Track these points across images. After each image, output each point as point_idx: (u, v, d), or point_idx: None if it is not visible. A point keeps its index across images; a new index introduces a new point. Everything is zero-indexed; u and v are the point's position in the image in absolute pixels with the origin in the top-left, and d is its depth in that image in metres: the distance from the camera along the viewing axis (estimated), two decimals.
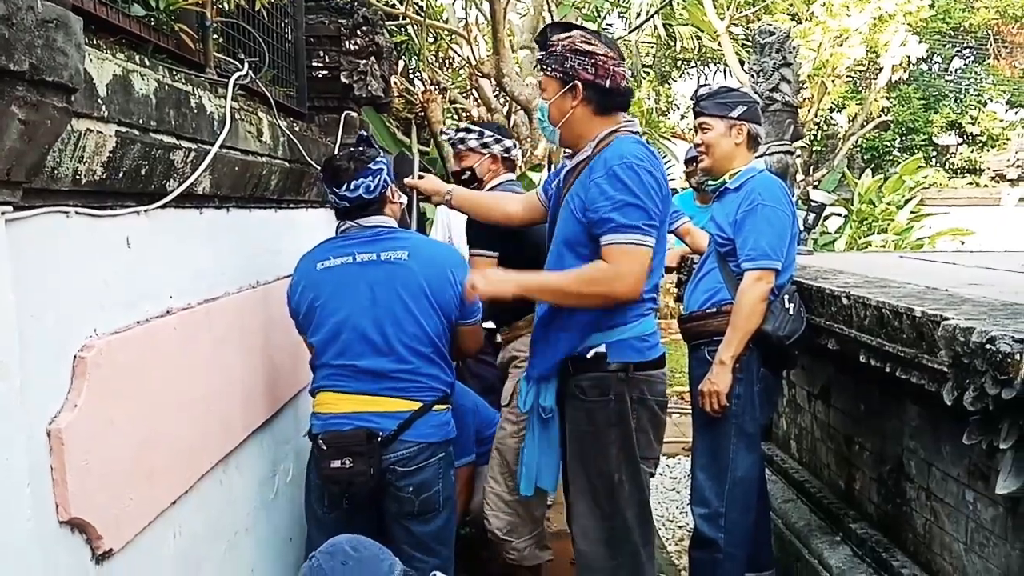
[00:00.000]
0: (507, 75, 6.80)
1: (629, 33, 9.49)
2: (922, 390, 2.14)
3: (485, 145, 3.00)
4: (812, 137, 12.31)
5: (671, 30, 10.17)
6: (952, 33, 14.70)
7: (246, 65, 2.33)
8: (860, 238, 8.58)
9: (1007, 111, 14.97)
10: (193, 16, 2.07)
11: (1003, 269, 3.37)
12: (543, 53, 2.39)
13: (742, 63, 9.08)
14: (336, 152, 2.54)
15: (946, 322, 1.86)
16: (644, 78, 12.85)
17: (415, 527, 2.38)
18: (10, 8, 1.09)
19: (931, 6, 10.41)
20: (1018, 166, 12.55)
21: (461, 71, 8.64)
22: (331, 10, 3.26)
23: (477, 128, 3.06)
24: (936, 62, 15.55)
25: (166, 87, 1.74)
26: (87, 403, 1.50)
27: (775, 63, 4.10)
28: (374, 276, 2.33)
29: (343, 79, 3.23)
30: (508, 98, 7.75)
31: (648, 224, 2.21)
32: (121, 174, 1.61)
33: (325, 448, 2.29)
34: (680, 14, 9.78)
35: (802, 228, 3.86)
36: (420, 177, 2.85)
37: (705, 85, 3.05)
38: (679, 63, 13.00)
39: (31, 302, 1.37)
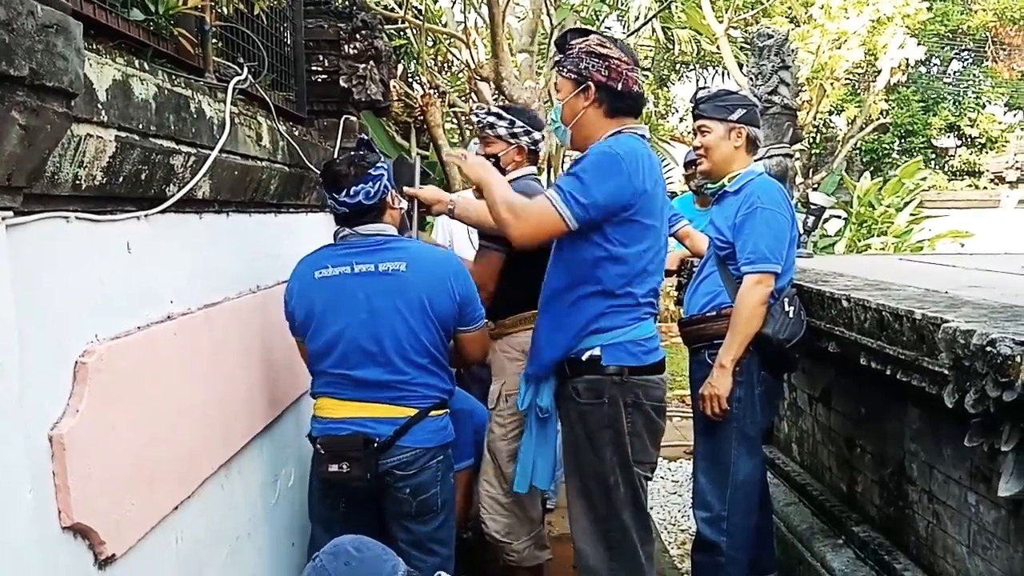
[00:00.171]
0: (506, 78, 6.81)
1: (628, 36, 9.51)
2: (923, 393, 2.14)
3: (514, 135, 2.90)
4: (811, 140, 12.32)
5: (669, 33, 10.19)
6: (950, 36, 14.72)
7: (245, 69, 2.33)
8: (860, 241, 8.58)
9: (1006, 113, 14.98)
10: (192, 21, 2.07)
11: (1003, 271, 3.37)
12: (561, 56, 2.42)
13: (741, 66, 9.10)
14: (336, 156, 2.53)
15: (946, 324, 1.85)
16: (643, 81, 12.85)
17: (413, 527, 2.40)
18: (10, 13, 1.09)
19: (929, 9, 10.42)
20: (1017, 168, 12.55)
21: (460, 75, 8.65)
22: (330, 14, 3.26)
23: (509, 116, 2.92)
24: (935, 65, 15.57)
25: (165, 92, 1.74)
26: (88, 409, 1.50)
27: (774, 66, 4.11)
28: (372, 288, 2.33)
29: (342, 83, 3.23)
30: (507, 101, 7.75)
31: (576, 196, 2.21)
32: (121, 179, 1.61)
33: (323, 452, 2.35)
34: (679, 17, 9.80)
35: (801, 231, 3.86)
36: (421, 186, 2.81)
37: (704, 88, 3.05)
38: (678, 66, 13.02)
39: (32, 307, 1.37)
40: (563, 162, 8.41)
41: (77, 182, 1.47)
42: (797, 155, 8.91)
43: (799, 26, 9.69)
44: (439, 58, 8.54)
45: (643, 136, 2.41)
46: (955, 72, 15.89)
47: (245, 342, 2.38)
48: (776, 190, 2.80)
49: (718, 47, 9.53)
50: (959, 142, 14.52)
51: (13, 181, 1.23)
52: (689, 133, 11.07)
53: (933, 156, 14.20)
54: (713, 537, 2.79)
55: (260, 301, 2.51)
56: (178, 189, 1.86)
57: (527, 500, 2.88)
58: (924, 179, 10.23)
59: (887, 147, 13.74)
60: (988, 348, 1.67)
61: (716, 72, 12.97)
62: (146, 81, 1.66)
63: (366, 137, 2.57)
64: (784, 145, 4.10)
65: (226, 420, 2.20)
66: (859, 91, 12.20)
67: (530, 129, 2.93)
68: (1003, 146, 13.73)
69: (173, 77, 1.85)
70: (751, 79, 4.26)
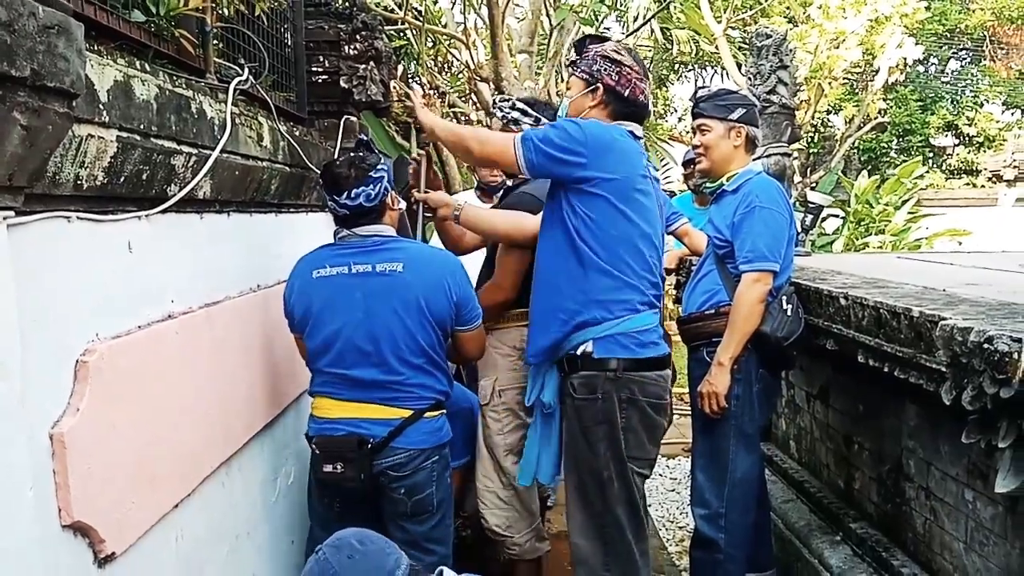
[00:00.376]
0: (505, 79, 6.81)
1: (627, 36, 9.50)
2: (920, 390, 2.15)
3: None
4: (809, 139, 12.32)
5: (668, 33, 10.17)
6: (948, 35, 14.73)
7: (246, 70, 2.33)
8: (857, 239, 8.58)
9: (1003, 112, 15.00)
10: (193, 22, 2.08)
11: (1000, 269, 3.38)
12: (577, 58, 2.55)
13: (739, 66, 9.10)
14: (335, 158, 2.53)
15: (944, 322, 1.86)
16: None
17: (409, 526, 2.41)
18: (12, 14, 1.10)
19: (927, 8, 10.41)
20: (1015, 167, 12.55)
21: (460, 75, 8.64)
22: (331, 15, 3.26)
23: (535, 113, 2.87)
24: (932, 64, 15.57)
25: (167, 92, 1.75)
26: (89, 407, 1.50)
27: (772, 66, 4.12)
28: (368, 288, 2.33)
29: (343, 84, 3.23)
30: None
31: (534, 140, 2.33)
32: (122, 179, 1.62)
33: (318, 452, 2.37)
34: (677, 18, 9.80)
35: (800, 229, 3.87)
36: (427, 191, 2.81)
37: (704, 87, 3.06)
38: (676, 66, 13.00)
39: (33, 307, 1.37)
40: None
41: (78, 182, 1.48)
42: (795, 154, 8.92)
43: (797, 26, 9.69)
44: (439, 59, 8.53)
45: (632, 133, 2.48)
46: (953, 71, 15.90)
47: (246, 341, 2.39)
48: (774, 189, 2.81)
49: (717, 47, 9.52)
50: (957, 141, 14.53)
51: (15, 181, 1.23)
52: (687, 132, 11.08)
53: (931, 155, 14.21)
54: (711, 534, 2.80)
55: (261, 300, 2.51)
56: (179, 189, 1.86)
57: (526, 493, 2.90)
58: (921, 177, 10.23)
59: (885, 146, 13.75)
60: (985, 345, 1.68)
61: (715, 72, 12.97)
62: (147, 82, 1.66)
63: (365, 138, 2.58)
64: (782, 144, 4.11)
65: (226, 419, 2.21)
66: (857, 90, 12.20)
67: None
68: (1001, 145, 13.74)
69: (174, 78, 1.86)
70: (749, 79, 4.27)
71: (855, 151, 13.07)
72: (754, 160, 2.96)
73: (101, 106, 1.48)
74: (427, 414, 2.39)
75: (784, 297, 2.74)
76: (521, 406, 2.86)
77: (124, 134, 1.57)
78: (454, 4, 8.82)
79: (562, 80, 8.03)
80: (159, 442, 1.79)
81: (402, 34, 7.32)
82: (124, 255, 1.70)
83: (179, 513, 1.90)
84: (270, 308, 2.54)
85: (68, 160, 1.42)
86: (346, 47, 3.22)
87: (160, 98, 1.71)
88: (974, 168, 13.76)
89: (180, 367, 1.92)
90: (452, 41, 8.16)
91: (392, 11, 6.74)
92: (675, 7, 9.00)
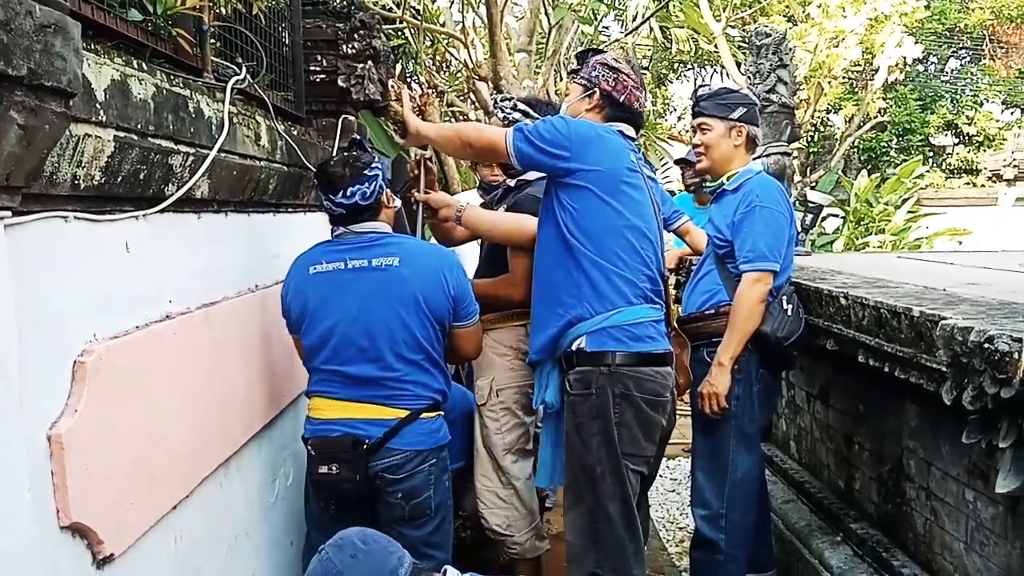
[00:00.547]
0: (504, 78, 6.81)
1: (626, 36, 9.50)
2: (921, 389, 2.14)
3: None
4: (809, 138, 12.32)
5: (667, 32, 10.16)
6: (948, 34, 14.73)
7: (244, 69, 2.32)
8: (858, 239, 8.58)
9: (1003, 111, 15.02)
10: (190, 21, 2.07)
11: (1001, 268, 3.38)
12: (577, 67, 2.68)
13: (739, 65, 9.10)
14: (330, 159, 2.53)
15: (944, 322, 1.86)
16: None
17: (407, 531, 2.37)
18: (8, 13, 1.09)
19: (927, 7, 10.42)
20: (1014, 166, 12.57)
21: (458, 74, 8.64)
22: (328, 14, 3.25)
23: (536, 115, 2.86)
24: (932, 63, 15.58)
25: (164, 91, 1.74)
26: (87, 408, 1.50)
27: (771, 65, 4.11)
28: (365, 283, 2.33)
29: (340, 83, 3.22)
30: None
31: (524, 132, 2.40)
32: (119, 179, 1.61)
33: (314, 453, 2.36)
34: (676, 16, 9.78)
35: (799, 229, 3.87)
36: (428, 191, 2.81)
37: (705, 85, 3.06)
38: (675, 65, 13.00)
39: (30, 307, 1.37)
40: None
41: (76, 182, 1.47)
42: (795, 153, 8.91)
43: (797, 25, 9.69)
44: (437, 58, 8.53)
45: (621, 132, 2.54)
46: (952, 70, 15.92)
47: (244, 341, 2.38)
48: (775, 188, 2.81)
49: (716, 46, 9.52)
50: (957, 140, 14.55)
51: (12, 181, 1.23)
52: (687, 132, 11.07)
53: (931, 154, 14.22)
54: (711, 535, 2.80)
55: (259, 300, 2.51)
56: (177, 189, 1.86)
57: (525, 492, 2.90)
58: (921, 176, 10.24)
59: (885, 145, 13.76)
60: (986, 345, 1.67)
61: (714, 71, 12.97)
62: (144, 81, 1.66)
63: (358, 138, 2.58)
64: (782, 143, 4.11)
65: (225, 419, 2.20)
66: (857, 89, 12.20)
67: None
68: (1000, 144, 13.76)
69: (171, 77, 1.85)
70: (749, 78, 4.26)
71: (855, 150, 13.08)
72: (754, 159, 2.95)
73: (98, 105, 1.47)
74: (424, 415, 2.37)
75: (784, 297, 2.74)
76: (519, 405, 2.86)
77: (121, 133, 1.56)
78: (452, 3, 8.82)
79: (561, 79, 8.03)
80: (157, 443, 1.79)
81: (400, 33, 7.32)
82: (122, 255, 1.70)
83: (178, 514, 1.90)
84: (268, 308, 2.53)
85: (65, 160, 1.41)
86: (344, 46, 3.21)
87: (157, 97, 1.70)
88: (974, 167, 13.78)
89: (178, 367, 1.91)
90: (450, 40, 8.16)
91: (390, 10, 6.74)
92: (674, 6, 8.99)
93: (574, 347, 2.44)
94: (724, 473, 2.78)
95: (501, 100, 3.00)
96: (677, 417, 2.74)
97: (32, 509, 1.33)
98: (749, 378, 2.75)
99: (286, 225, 2.89)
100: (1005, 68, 15.36)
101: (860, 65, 10.19)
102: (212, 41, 2.22)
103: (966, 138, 14.41)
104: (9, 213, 1.28)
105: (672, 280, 4.49)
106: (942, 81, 15.17)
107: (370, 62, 3.26)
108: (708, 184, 3.02)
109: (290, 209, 2.93)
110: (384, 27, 4.29)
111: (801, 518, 3.28)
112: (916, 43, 9.31)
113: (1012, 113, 15.09)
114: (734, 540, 2.78)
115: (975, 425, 1.78)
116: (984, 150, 14.07)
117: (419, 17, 7.03)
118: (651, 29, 9.81)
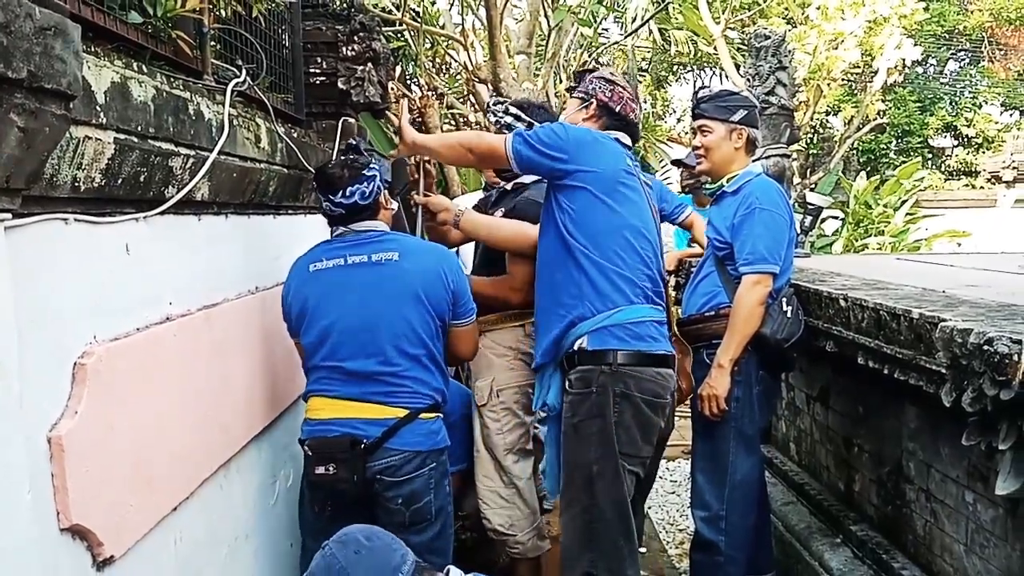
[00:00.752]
0: (504, 80, 6.80)
1: (625, 37, 9.52)
2: (920, 391, 2.14)
3: None
4: (808, 140, 12.34)
5: (667, 34, 10.18)
6: (947, 36, 14.76)
7: (244, 71, 2.33)
8: (857, 240, 8.59)
9: (1002, 113, 15.04)
10: (190, 23, 2.07)
11: (1000, 270, 3.38)
12: (574, 84, 2.78)
13: (738, 67, 9.10)
14: (328, 161, 2.55)
15: (944, 323, 1.86)
16: (640, 82, 12.88)
17: (407, 537, 2.33)
18: (8, 16, 1.09)
19: (926, 9, 10.43)
20: (1013, 168, 12.57)
21: (458, 76, 8.64)
22: (328, 16, 3.25)
23: (528, 118, 2.83)
24: (931, 65, 15.61)
25: (164, 94, 1.74)
26: (87, 410, 1.50)
27: (771, 67, 4.12)
28: (365, 277, 2.34)
29: (340, 85, 3.22)
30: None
31: (524, 136, 2.46)
32: (120, 181, 1.61)
33: (311, 454, 2.34)
34: (676, 18, 9.80)
35: (799, 231, 3.87)
36: (427, 194, 2.83)
37: (705, 88, 3.07)
38: (675, 67, 13.02)
39: (31, 309, 1.37)
40: None
41: (76, 184, 1.47)
42: (794, 155, 8.92)
43: (796, 27, 9.71)
44: (437, 60, 8.53)
45: (618, 139, 2.58)
46: (951, 72, 15.94)
47: (244, 343, 2.38)
48: (774, 190, 2.81)
49: (715, 48, 9.54)
50: (956, 142, 14.57)
51: (12, 183, 1.23)
52: (686, 134, 11.09)
53: (930, 156, 14.25)
54: (711, 536, 2.80)
55: (259, 302, 2.51)
56: (177, 191, 1.86)
57: (527, 491, 2.90)
58: (920, 179, 10.25)
59: (884, 147, 13.78)
60: (985, 347, 1.68)
61: (713, 73, 12.98)
62: (144, 83, 1.66)
63: (355, 141, 2.59)
64: (781, 145, 4.12)
65: (225, 421, 2.20)
66: (856, 91, 12.22)
67: None
68: (999, 146, 13.77)
69: (171, 79, 1.85)
70: (748, 80, 4.27)
71: (854, 152, 13.09)
72: (753, 161, 2.96)
73: (98, 108, 1.47)
74: (423, 415, 2.36)
75: (784, 299, 2.74)
76: (519, 405, 2.86)
77: (121, 136, 1.56)
78: (452, 5, 8.82)
79: (560, 81, 8.04)
80: (157, 444, 1.79)
81: (400, 35, 7.32)
82: (122, 257, 1.70)
83: (178, 516, 1.90)
84: (269, 310, 2.53)
85: (65, 162, 1.41)
86: (344, 48, 3.21)
87: (157, 99, 1.70)
88: (973, 169, 13.79)
89: (178, 369, 1.91)
90: (450, 42, 8.16)
91: (390, 12, 6.74)
92: (673, 8, 9.01)
93: (576, 347, 2.45)
94: (724, 475, 2.78)
95: (494, 104, 3.00)
96: (676, 419, 2.74)
97: (32, 511, 1.33)
98: (749, 380, 2.75)
99: (286, 227, 2.89)
100: (1004, 70, 15.38)
101: (859, 67, 10.21)
102: (212, 43, 2.23)
103: (965, 140, 14.43)
104: (9, 215, 1.28)
105: (671, 282, 4.50)
106: (941, 83, 15.20)
107: (370, 64, 3.26)
108: (708, 186, 3.02)
109: (290, 211, 2.93)
110: (384, 29, 4.30)
111: (801, 520, 3.28)
112: (915, 45, 9.34)
113: (1011, 115, 15.11)
114: (734, 542, 2.78)
115: (975, 427, 1.78)
116: (983, 152, 14.09)
117: (419, 19, 7.04)
118: (650, 31, 9.83)
